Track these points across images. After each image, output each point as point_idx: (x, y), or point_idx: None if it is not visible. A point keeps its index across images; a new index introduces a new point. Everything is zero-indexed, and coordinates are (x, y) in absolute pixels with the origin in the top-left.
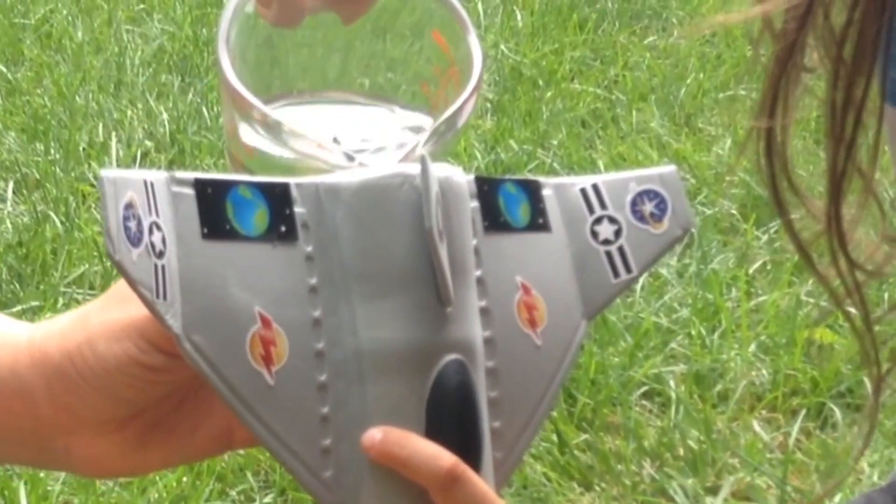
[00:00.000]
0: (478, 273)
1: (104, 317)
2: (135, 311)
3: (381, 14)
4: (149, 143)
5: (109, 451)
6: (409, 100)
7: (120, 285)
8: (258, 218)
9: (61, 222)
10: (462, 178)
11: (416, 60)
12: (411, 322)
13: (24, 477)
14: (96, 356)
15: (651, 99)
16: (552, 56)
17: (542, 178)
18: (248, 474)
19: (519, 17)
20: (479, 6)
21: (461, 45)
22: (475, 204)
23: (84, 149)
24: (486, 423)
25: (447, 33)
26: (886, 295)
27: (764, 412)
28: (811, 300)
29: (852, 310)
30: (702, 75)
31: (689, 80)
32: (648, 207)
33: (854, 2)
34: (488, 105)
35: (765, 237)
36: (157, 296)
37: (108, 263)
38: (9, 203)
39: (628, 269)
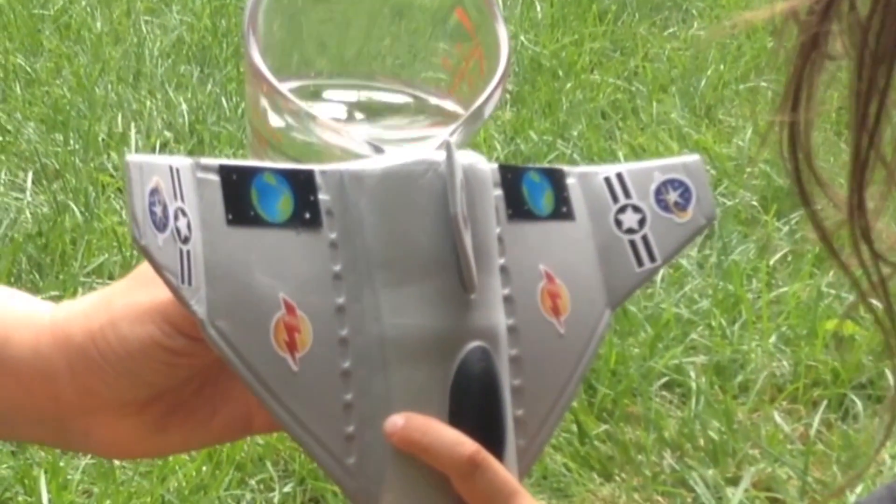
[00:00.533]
0: (501, 261)
1: (128, 299)
2: (158, 293)
3: None
4: (168, 134)
5: (128, 433)
6: (428, 72)
7: (144, 268)
8: (283, 204)
9: (81, 212)
10: (486, 166)
11: (437, 34)
12: (435, 309)
13: (44, 466)
14: (119, 338)
15: (671, 90)
16: (572, 47)
17: (566, 167)
18: (268, 463)
19: (539, 8)
20: None
21: (487, 28)
22: (499, 192)
23: (103, 139)
24: (510, 411)
25: (472, 13)
26: None
27: (785, 403)
28: (832, 291)
29: (875, 301)
30: (722, 66)
31: (709, 72)
32: (673, 196)
33: None
34: (508, 96)
35: (785, 228)
36: (183, 281)
37: (128, 253)
38: (28, 193)
39: (652, 258)
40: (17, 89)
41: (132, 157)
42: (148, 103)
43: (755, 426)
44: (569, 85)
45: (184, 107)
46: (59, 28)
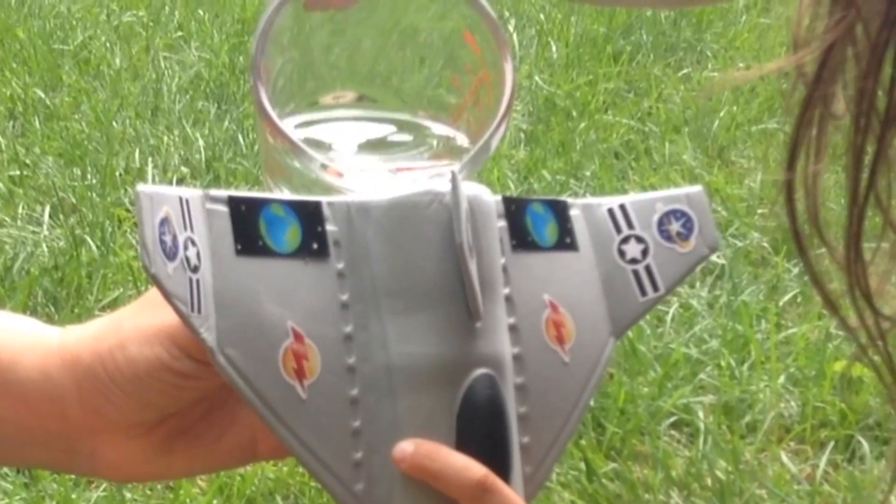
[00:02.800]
0: (506, 291)
1: (137, 321)
2: (167, 316)
3: (412, 13)
4: (185, 170)
5: (135, 456)
6: (437, 93)
7: (153, 292)
8: (290, 235)
9: (97, 246)
10: (490, 198)
11: (446, 57)
12: (441, 336)
13: (56, 498)
14: (127, 359)
15: (684, 131)
16: (586, 87)
17: (569, 199)
18: (278, 497)
19: (554, 48)
20: (515, 37)
21: (494, 57)
22: (503, 223)
23: (120, 174)
24: (516, 437)
25: (480, 40)
26: None
27: (792, 444)
28: (841, 333)
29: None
30: (735, 108)
31: (722, 113)
32: (675, 227)
33: (872, 55)
34: (521, 135)
35: (795, 269)
36: (192, 309)
37: (143, 287)
38: (45, 227)
39: (655, 288)
40: (37, 123)
41: (143, 188)
42: (165, 139)
43: (762, 466)
44: (582, 125)
45: (201, 143)
46: (78, 63)
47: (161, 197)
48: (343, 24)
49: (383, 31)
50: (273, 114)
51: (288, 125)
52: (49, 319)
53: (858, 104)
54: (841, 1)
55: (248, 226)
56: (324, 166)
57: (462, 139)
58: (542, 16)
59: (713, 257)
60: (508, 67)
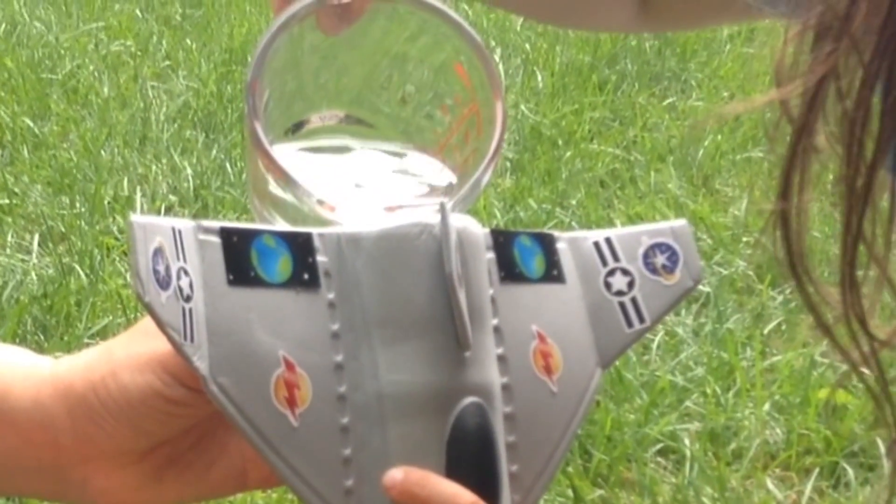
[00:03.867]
0: (494, 322)
1: (129, 350)
2: (159, 345)
3: (402, 43)
4: (173, 198)
5: (126, 483)
6: (426, 120)
7: (145, 321)
8: (282, 266)
9: (86, 275)
10: (478, 230)
11: (436, 85)
12: (431, 366)
13: None
14: (119, 387)
15: (669, 160)
16: (572, 116)
17: (555, 232)
18: None
19: (539, 77)
20: (501, 66)
21: (485, 90)
22: (491, 255)
23: (109, 203)
24: (505, 465)
25: (471, 72)
26: None
27: (777, 470)
28: (825, 360)
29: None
30: (719, 137)
31: (706, 142)
32: (660, 260)
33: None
34: (508, 164)
35: (780, 297)
36: (185, 338)
37: (132, 315)
38: (34, 255)
39: (641, 320)
40: (25, 152)
41: (136, 218)
42: (153, 167)
43: (748, 493)
44: (568, 154)
45: (189, 171)
46: (66, 92)
47: (154, 227)
48: (334, 50)
49: (373, 58)
50: (270, 149)
51: (279, 153)
52: (38, 347)
53: (850, 134)
54: (830, 34)
55: (239, 256)
56: (320, 202)
57: (448, 174)
58: (527, 45)
59: (699, 285)
60: (500, 106)
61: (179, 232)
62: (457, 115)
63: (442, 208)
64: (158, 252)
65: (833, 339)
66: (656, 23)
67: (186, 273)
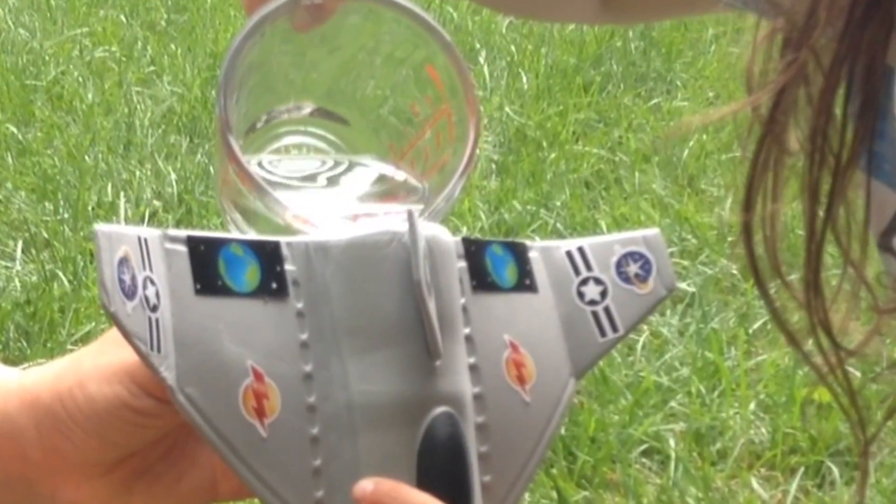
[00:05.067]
0: (466, 331)
1: (96, 360)
2: (127, 355)
3: (374, 42)
4: (157, 203)
5: (95, 495)
6: (394, 116)
7: (113, 332)
8: (250, 275)
9: (69, 281)
10: (449, 238)
11: (406, 83)
12: (401, 375)
13: None
14: (87, 398)
15: (654, 160)
16: (557, 118)
17: (528, 242)
18: None
19: (524, 79)
20: (486, 69)
21: (457, 96)
22: (463, 264)
23: (93, 208)
24: (477, 476)
25: (443, 76)
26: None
27: (762, 470)
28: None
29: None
30: (704, 137)
31: (691, 143)
32: (633, 269)
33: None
34: (493, 166)
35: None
36: (152, 348)
37: None
38: (18, 262)
39: (615, 329)
40: (9, 159)
41: (101, 227)
42: (137, 173)
43: (733, 493)
44: (553, 155)
45: (173, 176)
46: (51, 98)
47: (119, 236)
48: (304, 47)
49: (344, 56)
50: (242, 157)
51: (249, 161)
52: (21, 354)
53: (812, 141)
54: (792, 42)
55: (207, 265)
56: (295, 216)
57: (416, 182)
58: (512, 47)
59: (683, 285)
60: (473, 112)
61: (145, 241)
62: (428, 117)
63: (410, 216)
64: (124, 261)
65: (801, 350)
66: (621, 15)
67: (153, 282)
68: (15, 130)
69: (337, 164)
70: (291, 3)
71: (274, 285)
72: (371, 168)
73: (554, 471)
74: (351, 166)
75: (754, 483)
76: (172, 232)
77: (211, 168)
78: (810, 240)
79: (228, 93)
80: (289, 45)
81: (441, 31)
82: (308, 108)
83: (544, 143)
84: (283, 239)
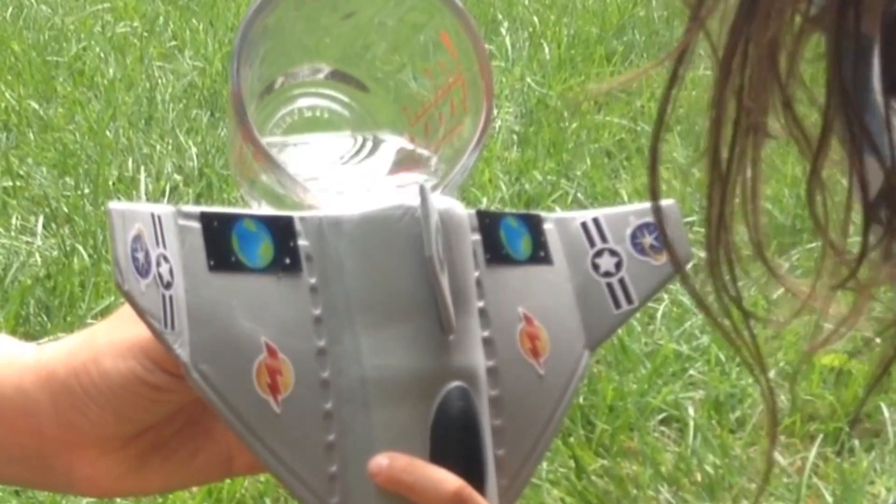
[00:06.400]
0: (480, 304)
1: (111, 336)
2: (141, 331)
3: (389, 8)
4: (177, 177)
5: (110, 470)
6: (407, 80)
7: (127, 307)
8: (263, 250)
9: (89, 255)
10: (462, 211)
11: (420, 48)
12: (414, 350)
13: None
14: (101, 373)
15: (676, 129)
16: (578, 88)
17: (542, 213)
18: (268, 501)
19: (546, 49)
20: (507, 40)
21: (469, 63)
22: (477, 237)
23: (113, 183)
24: (490, 450)
25: (457, 43)
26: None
27: (782, 437)
28: (830, 327)
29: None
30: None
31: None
32: (648, 240)
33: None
34: (514, 136)
35: (787, 264)
36: (166, 325)
37: None
38: (38, 237)
39: (629, 300)
40: (31, 135)
41: (114, 205)
42: (158, 147)
43: (751, 461)
44: (574, 125)
45: (193, 150)
46: (72, 74)
47: (133, 214)
48: (317, 13)
49: (358, 21)
50: (260, 138)
51: (264, 137)
52: (42, 328)
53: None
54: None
55: (220, 241)
56: (304, 189)
57: (427, 148)
58: (535, 17)
59: (702, 253)
60: (486, 85)
61: (159, 218)
62: (441, 83)
63: (422, 191)
64: (137, 239)
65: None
66: None
67: (166, 259)
68: (36, 106)
69: (356, 140)
70: None
71: (287, 260)
72: (388, 142)
73: (572, 439)
74: (368, 142)
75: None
76: (186, 208)
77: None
78: (710, 206)
79: (242, 64)
80: (301, 11)
81: (457, 1)
82: (325, 71)
83: (566, 114)
84: (296, 214)
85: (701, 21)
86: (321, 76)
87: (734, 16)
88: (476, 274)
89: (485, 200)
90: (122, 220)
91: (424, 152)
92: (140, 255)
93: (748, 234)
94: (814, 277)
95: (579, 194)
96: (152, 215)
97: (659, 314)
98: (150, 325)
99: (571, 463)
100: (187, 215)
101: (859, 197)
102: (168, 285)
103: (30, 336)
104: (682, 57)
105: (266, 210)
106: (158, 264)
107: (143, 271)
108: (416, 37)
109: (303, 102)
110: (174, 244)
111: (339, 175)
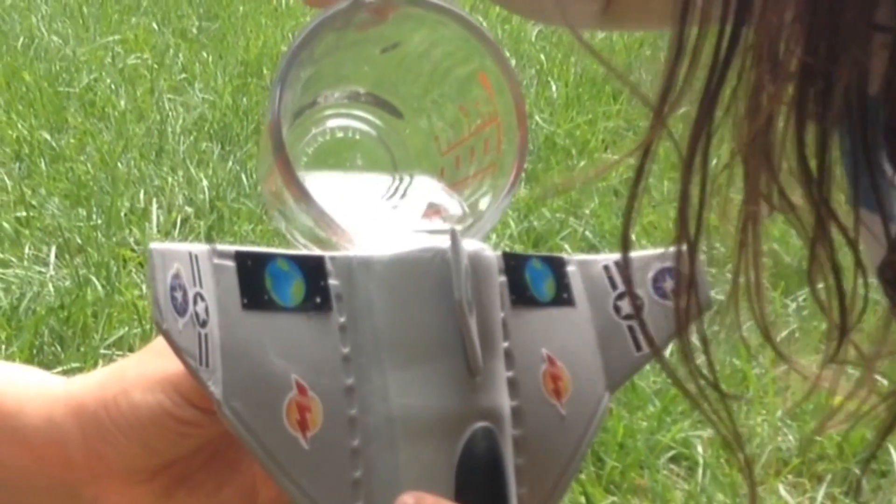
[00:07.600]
0: (505, 345)
1: (141, 369)
2: (170, 365)
3: (428, 45)
4: (188, 210)
5: (137, 501)
6: (442, 113)
7: (157, 341)
8: (295, 289)
9: (102, 286)
10: (491, 254)
11: (456, 86)
12: (441, 390)
13: None
14: (131, 406)
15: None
16: (586, 126)
17: (566, 256)
18: None
19: (554, 87)
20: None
21: (507, 107)
22: (503, 279)
23: (125, 214)
24: (514, 489)
25: (495, 85)
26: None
27: (790, 477)
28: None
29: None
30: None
31: (721, 152)
32: (670, 284)
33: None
34: (523, 174)
35: (793, 305)
36: (201, 363)
37: (147, 326)
38: (51, 267)
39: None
40: (42, 165)
41: (156, 246)
42: (169, 179)
43: (760, 500)
44: (582, 163)
45: (205, 183)
46: (84, 105)
47: (172, 254)
48: (357, 45)
49: (397, 55)
50: (299, 179)
51: (299, 171)
52: (55, 358)
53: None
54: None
55: (254, 280)
56: (341, 230)
57: (458, 201)
58: (542, 56)
59: (712, 293)
60: (523, 126)
61: (196, 257)
62: (475, 121)
63: (453, 235)
64: (176, 278)
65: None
66: (622, 22)
67: (202, 298)
68: (48, 137)
69: (393, 179)
70: (352, 5)
71: (318, 300)
72: (422, 183)
73: (582, 476)
74: (404, 182)
75: (782, 490)
76: (221, 247)
77: (243, 176)
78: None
79: (281, 102)
80: (343, 42)
81: (496, 44)
82: (360, 93)
83: (573, 152)
84: (327, 254)
85: (663, 120)
86: (356, 98)
87: (696, 113)
88: (501, 315)
89: (493, 237)
90: (162, 260)
91: (456, 196)
92: (178, 294)
93: (754, 317)
94: (822, 361)
95: (587, 232)
96: (190, 254)
97: (667, 353)
98: (185, 363)
99: (582, 499)
100: (222, 254)
101: (860, 273)
102: (204, 323)
103: (43, 366)
104: (647, 153)
105: (299, 247)
106: (195, 303)
107: (180, 310)
108: (455, 73)
109: (334, 123)
110: (210, 283)
111: (373, 215)
